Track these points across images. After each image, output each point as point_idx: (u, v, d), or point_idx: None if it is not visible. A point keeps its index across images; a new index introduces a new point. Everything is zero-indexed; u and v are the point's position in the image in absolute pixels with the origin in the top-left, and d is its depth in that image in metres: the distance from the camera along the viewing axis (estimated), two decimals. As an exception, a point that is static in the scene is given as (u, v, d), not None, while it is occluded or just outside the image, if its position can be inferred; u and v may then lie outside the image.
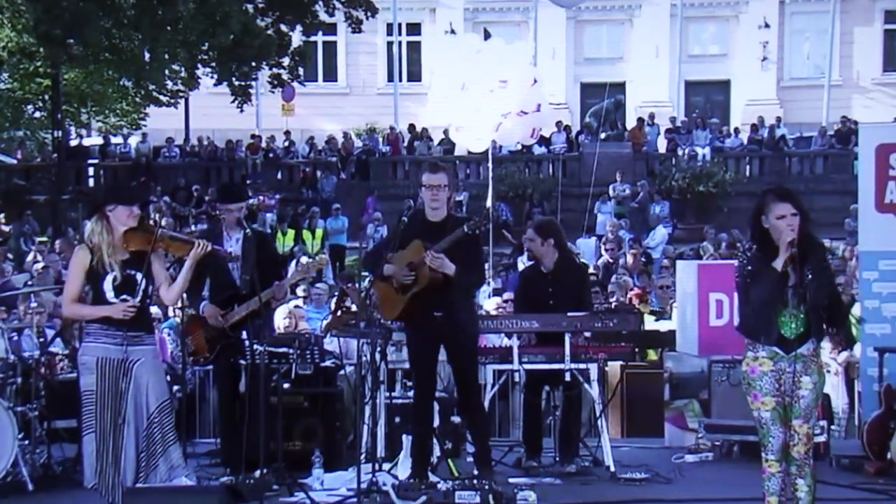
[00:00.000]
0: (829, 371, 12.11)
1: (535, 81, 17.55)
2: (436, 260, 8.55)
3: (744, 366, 6.99)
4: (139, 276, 7.81)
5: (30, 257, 20.30)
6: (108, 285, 7.81)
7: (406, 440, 9.38)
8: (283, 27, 31.65)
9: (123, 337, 7.77)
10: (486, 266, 18.49)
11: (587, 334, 9.83)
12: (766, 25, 44.10)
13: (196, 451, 10.36)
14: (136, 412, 7.73)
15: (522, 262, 18.36)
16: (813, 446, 6.96)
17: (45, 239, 24.65)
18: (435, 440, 9.24)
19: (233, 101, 31.70)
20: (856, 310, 11.87)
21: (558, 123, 35.32)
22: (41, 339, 11.43)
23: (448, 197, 8.98)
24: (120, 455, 7.66)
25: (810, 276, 6.74)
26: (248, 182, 33.13)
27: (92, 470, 7.73)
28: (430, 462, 9.12)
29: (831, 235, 24.10)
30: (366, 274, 9.28)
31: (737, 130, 38.00)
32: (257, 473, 8.79)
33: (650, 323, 13.39)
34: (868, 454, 9.82)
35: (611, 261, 21.66)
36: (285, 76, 32.84)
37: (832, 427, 11.27)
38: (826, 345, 12.33)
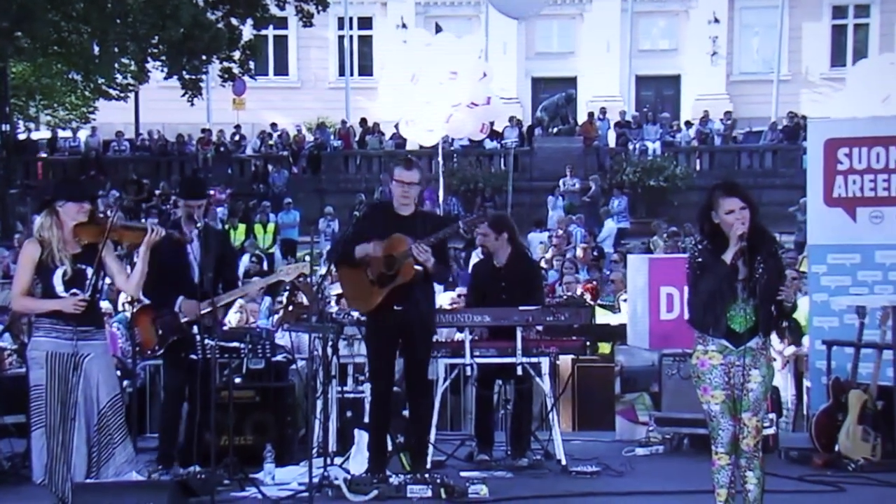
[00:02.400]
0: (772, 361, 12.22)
1: (485, 75, 17.58)
2: (423, 253, 8.62)
3: (693, 359, 7.03)
4: (90, 270, 7.77)
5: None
6: (57, 279, 7.77)
7: (358, 434, 9.38)
8: (234, 21, 31.55)
9: (73, 331, 7.72)
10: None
11: (539, 328, 9.86)
12: (716, 20, 44.38)
13: (147, 446, 10.28)
14: (87, 407, 7.69)
15: (476, 257, 18.39)
16: (762, 439, 7.01)
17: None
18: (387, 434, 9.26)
19: (183, 95, 31.58)
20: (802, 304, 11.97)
21: (511, 118, 35.40)
22: (-12, 335, 11.35)
23: (419, 193, 9.05)
24: (70, 450, 7.62)
25: (761, 269, 6.78)
26: (199, 176, 32.99)
27: (41, 465, 7.68)
28: (386, 456, 9.13)
29: (780, 229, 24.29)
30: (318, 268, 9.27)
31: (688, 123, 38.13)
32: (192, 469, 8.80)
33: (603, 317, 13.45)
34: (816, 446, 9.90)
35: (558, 254, 21.69)
36: (236, 70, 32.74)
37: (781, 420, 11.36)
38: (775, 338, 12.44)
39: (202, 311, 8.86)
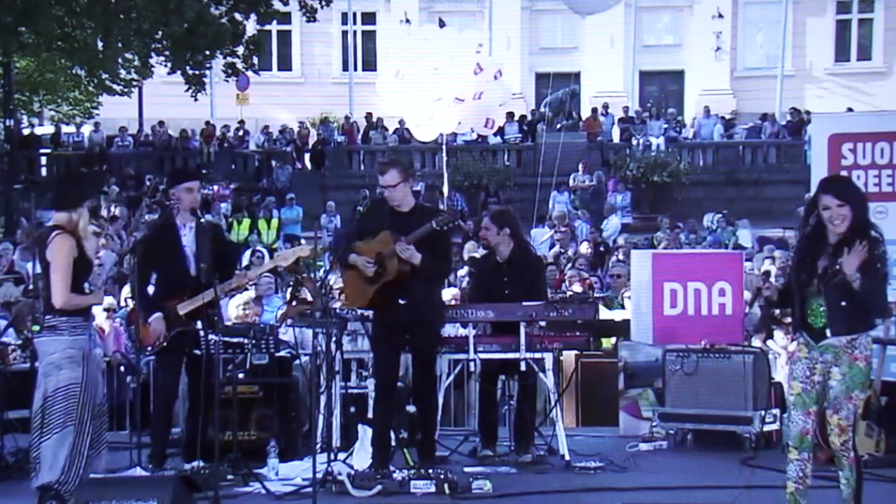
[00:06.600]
0: (777, 356, 12.21)
1: (481, 69, 17.55)
2: (406, 251, 8.64)
3: None
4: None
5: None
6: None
7: (361, 430, 9.39)
8: (238, 16, 31.44)
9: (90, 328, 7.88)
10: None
11: (542, 323, 9.85)
12: (720, 16, 44.30)
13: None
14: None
15: (470, 251, 18.46)
16: (849, 438, 7.01)
17: (-4, 228, 24.47)
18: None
19: (187, 90, 31.49)
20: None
21: (509, 114, 35.36)
22: (-8, 330, 11.35)
23: (410, 188, 9.09)
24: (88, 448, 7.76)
25: (838, 265, 6.68)
26: (203, 171, 32.99)
27: (59, 466, 7.79)
28: (390, 451, 9.14)
29: (784, 225, 24.33)
30: (321, 263, 9.29)
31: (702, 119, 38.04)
32: (196, 464, 8.81)
33: (604, 312, 13.44)
34: (821, 442, 9.86)
35: (561, 250, 21.71)
36: (240, 65, 32.65)
37: (784, 415, 11.33)
38: (778, 333, 12.44)
39: (203, 302, 8.91)
